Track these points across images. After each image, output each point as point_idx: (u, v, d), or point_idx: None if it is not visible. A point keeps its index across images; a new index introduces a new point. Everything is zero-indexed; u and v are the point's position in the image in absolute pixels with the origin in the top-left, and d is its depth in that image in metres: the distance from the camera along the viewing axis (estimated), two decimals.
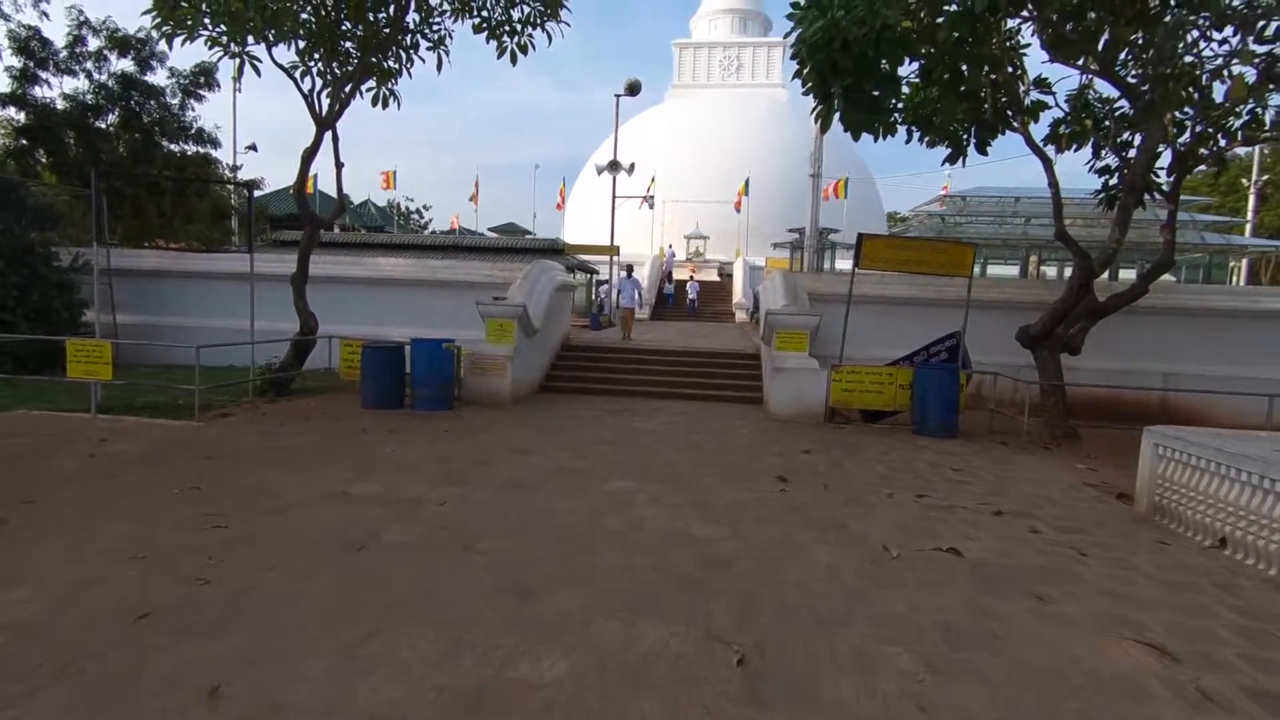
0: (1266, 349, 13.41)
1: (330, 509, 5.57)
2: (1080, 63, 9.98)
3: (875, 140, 11.17)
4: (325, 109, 10.49)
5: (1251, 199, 30.72)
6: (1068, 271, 28.26)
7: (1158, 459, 6.24)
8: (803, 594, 4.26)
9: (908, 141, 12.11)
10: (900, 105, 11.50)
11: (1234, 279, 26.95)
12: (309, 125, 10.48)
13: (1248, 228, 30.74)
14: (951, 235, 24.07)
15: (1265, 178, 32.31)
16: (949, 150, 11.97)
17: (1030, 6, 6.95)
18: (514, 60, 10.20)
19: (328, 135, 10.42)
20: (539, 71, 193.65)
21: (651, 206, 29.40)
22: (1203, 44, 8.20)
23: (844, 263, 31.12)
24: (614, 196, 23.41)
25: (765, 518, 5.79)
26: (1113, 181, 12.08)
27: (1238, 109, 10.35)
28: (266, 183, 29.83)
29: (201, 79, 21.48)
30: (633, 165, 23.70)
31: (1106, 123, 11.65)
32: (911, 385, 10.35)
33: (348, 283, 15.03)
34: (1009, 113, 11.47)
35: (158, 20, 8.84)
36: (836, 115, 7.81)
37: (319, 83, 10.39)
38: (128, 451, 7.28)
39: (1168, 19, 7.43)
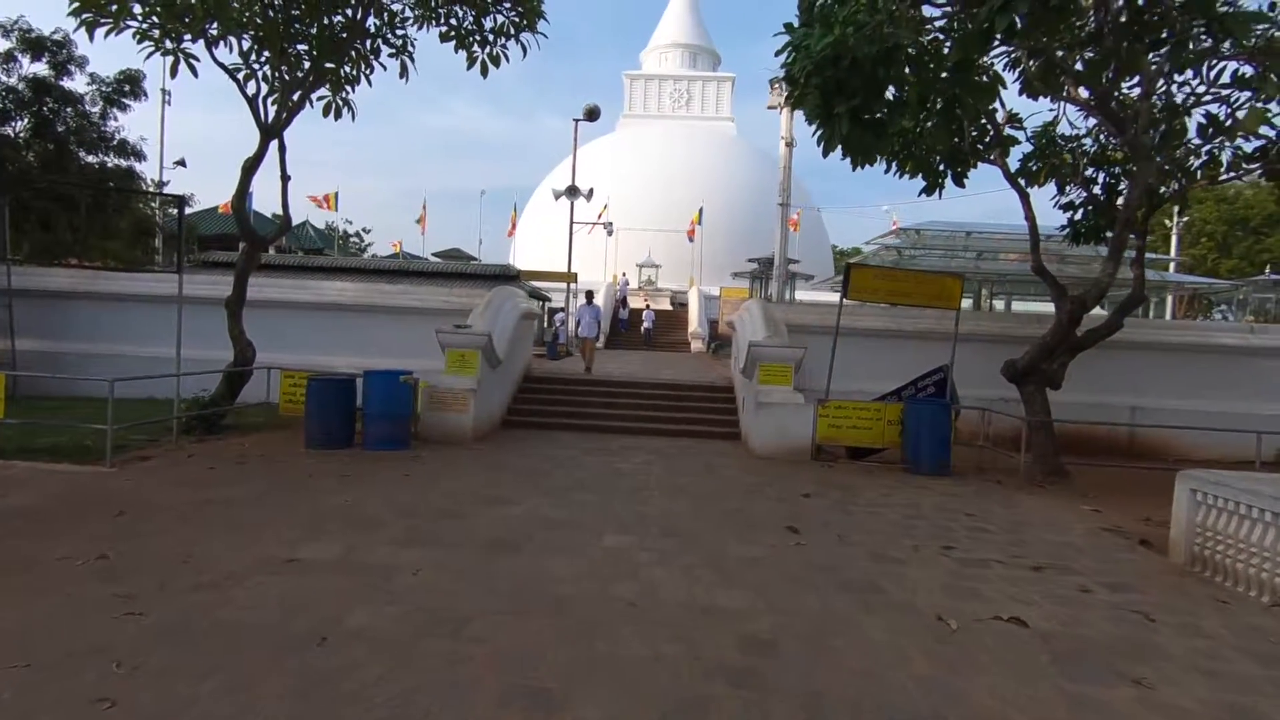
0: (1217, 382, 13.66)
1: (277, 583, 4.56)
2: (1061, 97, 9.95)
3: (871, 165, 10.83)
4: (271, 116, 9.47)
5: (1174, 239, 32.46)
6: (1017, 305, 28.91)
7: (1195, 506, 5.85)
8: (875, 687, 3.55)
9: (887, 171, 11.91)
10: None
11: (1165, 313, 28.24)
12: (244, 141, 9.53)
13: (1171, 265, 32.49)
14: (909, 268, 24.39)
15: (1184, 219, 34.32)
16: (925, 182, 11.87)
17: (1041, 33, 6.73)
18: (484, 72, 9.47)
19: (274, 145, 9.39)
20: (482, 98, 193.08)
21: (610, 233, 28.84)
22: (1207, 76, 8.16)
23: (803, 293, 31.26)
24: (572, 222, 22.79)
25: (792, 580, 5.08)
26: (1078, 217, 12.18)
27: (1197, 150, 10.54)
28: (197, 199, 27.91)
29: (127, 87, 19.85)
30: (591, 191, 23.17)
31: (1070, 159, 11.76)
32: (902, 421, 9.91)
33: (289, 308, 13.77)
34: (979, 146, 11.43)
35: (75, 6, 7.72)
36: (838, 138, 7.36)
37: (264, 87, 9.39)
38: (18, 508, 6.03)
39: (1192, 47, 7.33)
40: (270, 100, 9.61)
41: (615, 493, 7.63)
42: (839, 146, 7.45)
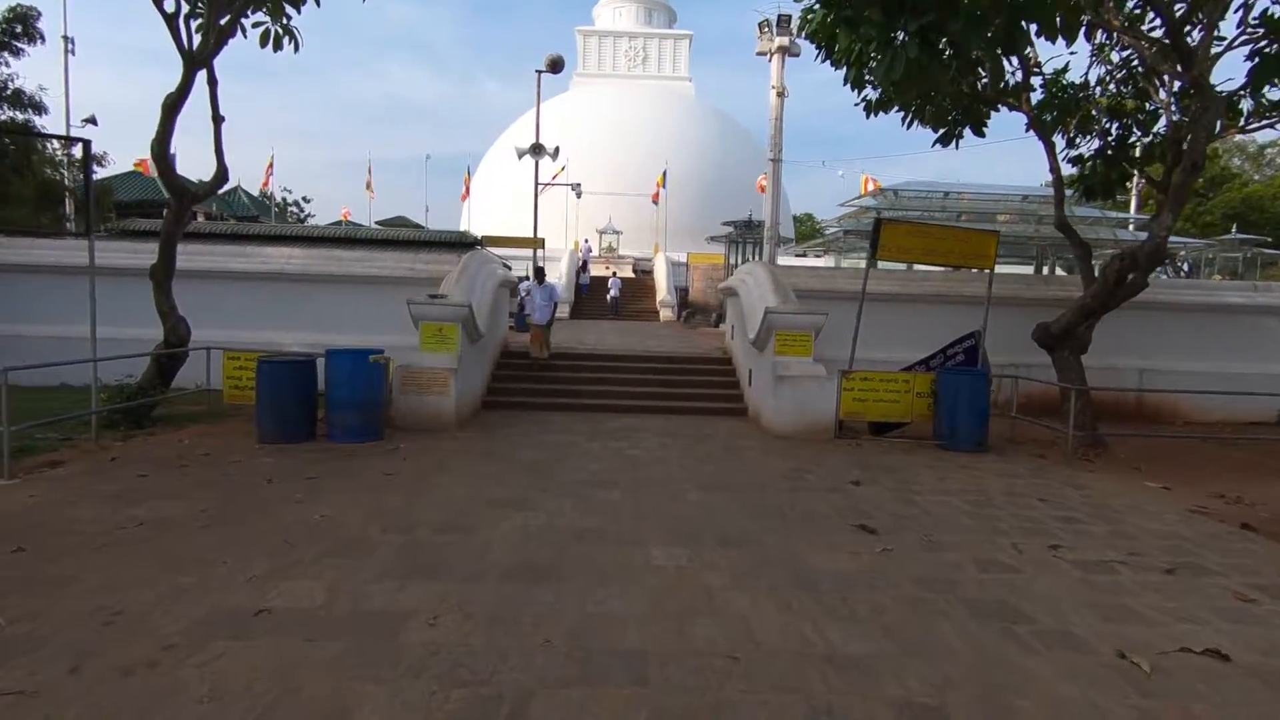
0: (1223, 342, 13.30)
1: (245, 654, 3.29)
2: (1119, 29, 8.99)
3: (924, 103, 9.69)
4: (197, 42, 7.77)
5: (1134, 198, 32.66)
6: (1000, 268, 28.78)
7: None
8: None
9: (905, 122, 10.87)
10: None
11: None
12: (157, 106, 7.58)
13: (1130, 224, 32.75)
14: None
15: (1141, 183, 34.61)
16: (941, 132, 10.92)
17: None
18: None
19: (202, 77, 7.71)
20: (418, 61, 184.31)
21: (579, 195, 27.23)
22: None
23: (782, 259, 30.33)
24: (537, 183, 21.18)
25: (909, 606, 4.06)
26: (1088, 170, 11.42)
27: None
28: (111, 160, 24.96)
29: (18, 27, 17.25)
30: (557, 149, 21.53)
31: (1091, 108, 10.97)
32: (934, 393, 9.05)
33: (228, 279, 12.04)
34: (1000, 89, 10.51)
35: None
36: (900, 67, 6.17)
37: (186, 6, 7.66)
38: None
39: None
40: (195, 24, 7.90)
41: (640, 488, 6.50)
42: (895, 79, 6.29)
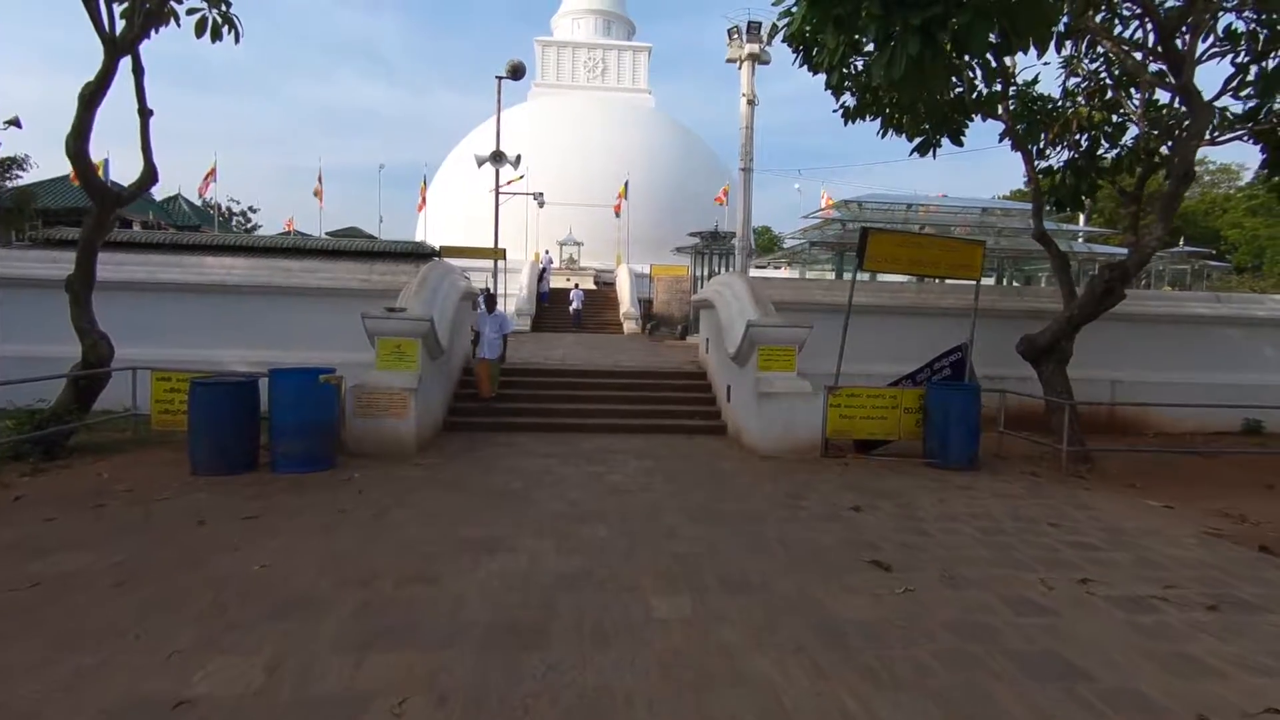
0: (1189, 352, 13.42)
1: None
2: (1103, 35, 8.88)
3: (886, 125, 9.55)
4: (121, 27, 6.93)
5: (1082, 212, 33.60)
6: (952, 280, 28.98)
7: None
8: None
9: (881, 131, 10.64)
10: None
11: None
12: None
13: (1080, 236, 33.77)
14: (853, 242, 23.69)
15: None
16: (918, 142, 10.72)
17: None
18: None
19: (126, 64, 6.87)
20: (372, 73, 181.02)
21: (541, 205, 26.54)
22: None
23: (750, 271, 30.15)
24: (498, 192, 20.46)
25: (951, 662, 3.56)
26: (1057, 181, 11.36)
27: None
28: (35, 164, 23.28)
29: None
30: (519, 157, 20.86)
31: (1067, 118, 10.92)
32: (924, 409, 8.70)
33: (161, 291, 11.04)
34: (973, 100, 10.37)
35: None
36: (900, 65, 5.77)
37: None
38: None
39: None
40: (120, 8, 7.06)
41: (627, 520, 5.90)
42: (896, 78, 5.87)
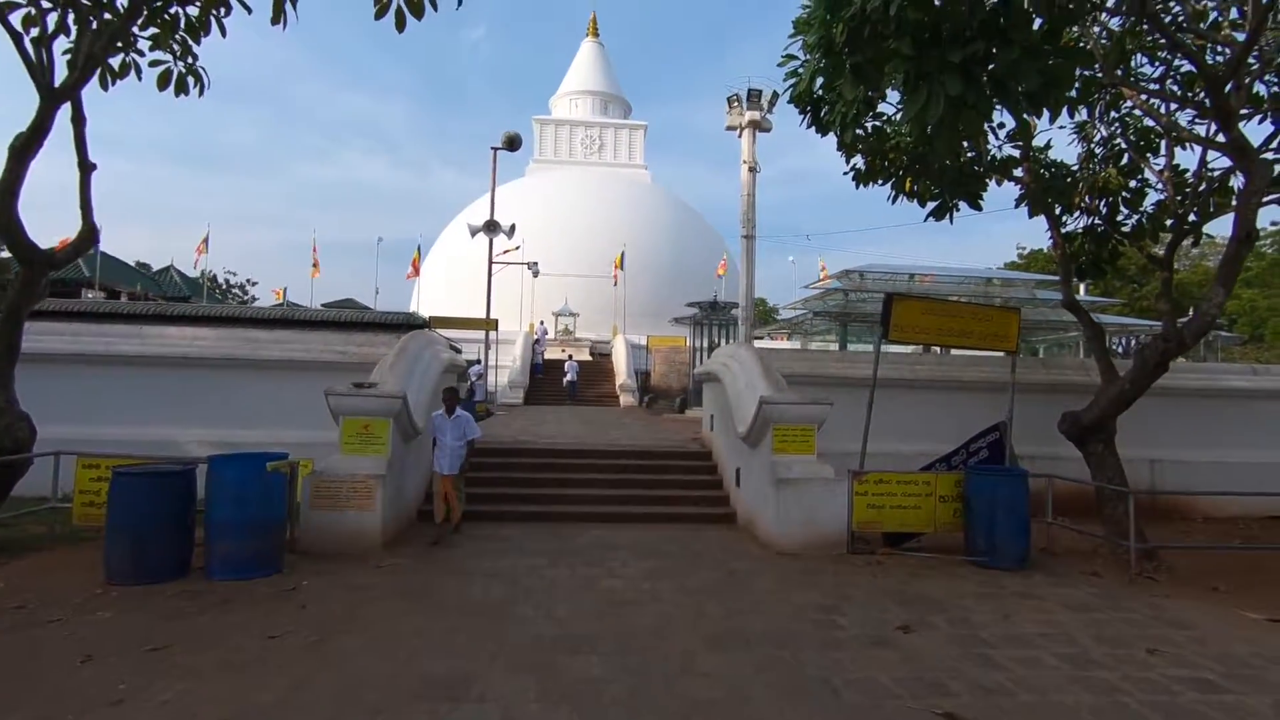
0: (1227, 429, 12.48)
1: None
2: (1145, 90, 8.39)
3: (897, 190, 9.03)
4: (62, 75, 6.25)
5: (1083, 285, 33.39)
6: (956, 351, 28.40)
7: None
8: None
9: (893, 196, 10.06)
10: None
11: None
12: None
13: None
14: (857, 312, 23.08)
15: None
16: (933, 206, 10.13)
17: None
18: (400, 24, 6.60)
19: (65, 114, 6.14)
20: (377, 150, 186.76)
21: (535, 274, 26.03)
22: None
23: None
24: (490, 262, 19.89)
25: None
26: (1076, 248, 10.73)
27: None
28: None
29: None
30: (513, 226, 20.41)
31: (1085, 183, 10.38)
32: (965, 498, 7.65)
33: (117, 364, 10.08)
34: (987, 163, 9.86)
35: None
36: (937, 108, 5.07)
37: (42, 27, 6.17)
38: None
39: None
40: (60, 52, 6.40)
41: (629, 648, 4.76)
42: (932, 120, 5.15)
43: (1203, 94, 7.24)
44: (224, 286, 62.32)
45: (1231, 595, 6.64)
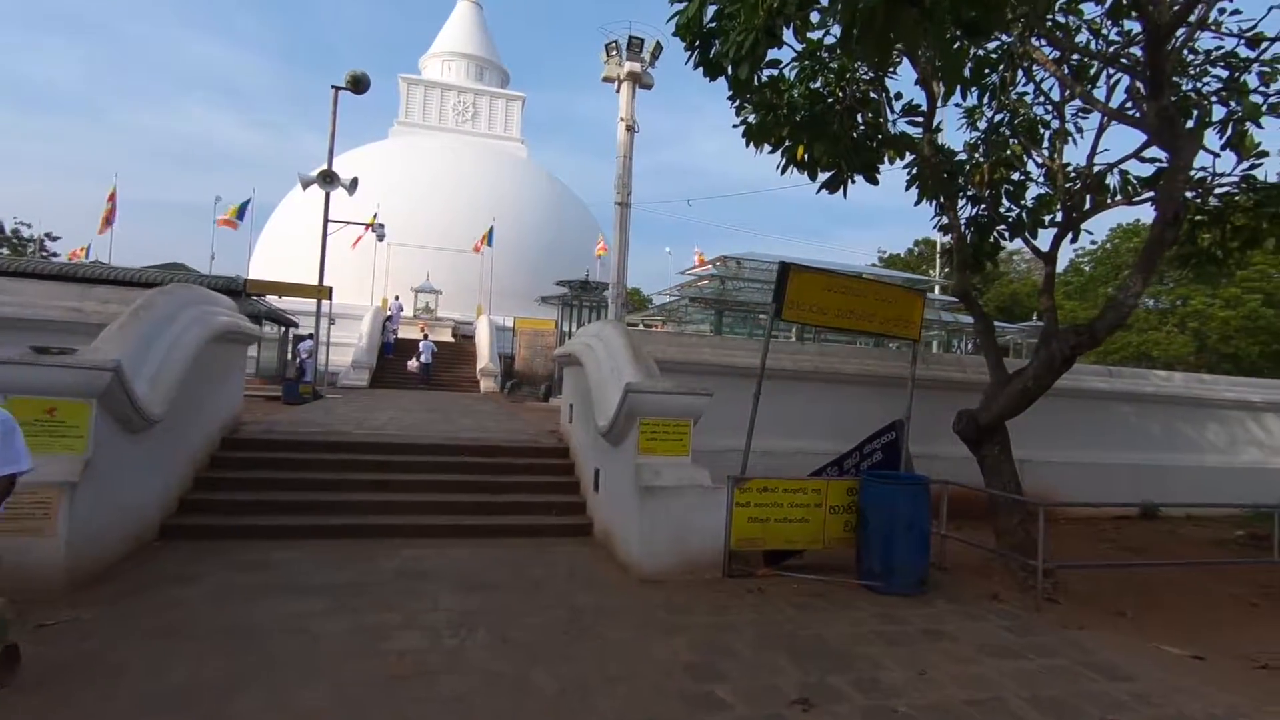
0: (1086, 429, 12.58)
1: None
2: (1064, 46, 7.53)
3: (788, 158, 7.87)
4: None
5: (937, 285, 34.99)
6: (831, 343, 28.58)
7: None
8: None
9: (782, 162, 8.86)
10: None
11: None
12: None
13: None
14: (732, 300, 22.23)
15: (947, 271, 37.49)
16: (828, 175, 9.06)
17: None
18: None
19: None
20: (226, 105, 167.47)
21: (381, 238, 23.03)
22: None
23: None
24: (326, 219, 17.01)
25: None
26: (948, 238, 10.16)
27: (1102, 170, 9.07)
28: None
29: None
30: (355, 180, 17.55)
31: (980, 171, 9.76)
32: (859, 509, 6.49)
33: None
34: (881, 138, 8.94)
35: None
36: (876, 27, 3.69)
37: None
38: None
39: None
40: None
41: None
42: (858, 19, 3.73)
43: (1139, 48, 6.42)
44: (14, 241, 52.44)
45: (1140, 624, 5.91)
